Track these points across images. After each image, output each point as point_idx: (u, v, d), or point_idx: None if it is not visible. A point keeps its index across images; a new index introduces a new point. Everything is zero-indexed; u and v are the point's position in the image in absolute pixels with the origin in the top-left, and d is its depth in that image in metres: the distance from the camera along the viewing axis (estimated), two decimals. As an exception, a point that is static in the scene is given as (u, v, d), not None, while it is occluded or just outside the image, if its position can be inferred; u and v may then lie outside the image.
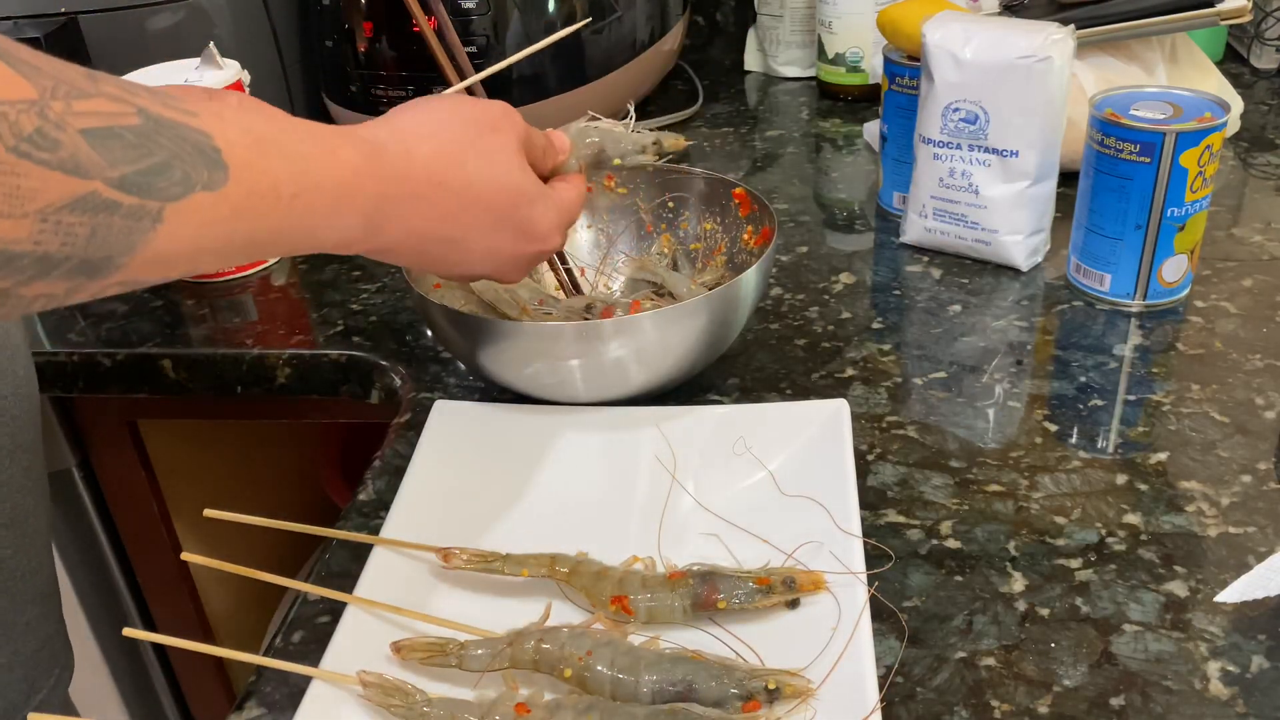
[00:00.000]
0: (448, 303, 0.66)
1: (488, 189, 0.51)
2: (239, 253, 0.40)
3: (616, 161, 0.61)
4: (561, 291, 0.72)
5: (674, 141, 0.63)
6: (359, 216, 0.45)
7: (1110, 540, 0.54)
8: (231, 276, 0.85)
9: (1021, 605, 0.51)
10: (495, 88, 0.68)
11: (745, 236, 0.69)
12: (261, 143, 0.39)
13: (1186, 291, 0.74)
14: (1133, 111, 0.70)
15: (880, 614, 0.50)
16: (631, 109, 0.66)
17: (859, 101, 1.13)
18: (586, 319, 0.66)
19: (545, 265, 0.73)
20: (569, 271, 0.71)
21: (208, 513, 0.55)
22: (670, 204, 0.74)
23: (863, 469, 0.60)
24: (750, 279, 0.62)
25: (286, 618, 0.54)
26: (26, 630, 0.61)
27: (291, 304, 0.82)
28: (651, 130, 0.63)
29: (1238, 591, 0.49)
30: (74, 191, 0.32)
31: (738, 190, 0.69)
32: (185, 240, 0.36)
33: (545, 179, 0.55)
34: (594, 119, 0.61)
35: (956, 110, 0.75)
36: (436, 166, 0.49)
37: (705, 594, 0.50)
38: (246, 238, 0.39)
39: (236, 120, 0.39)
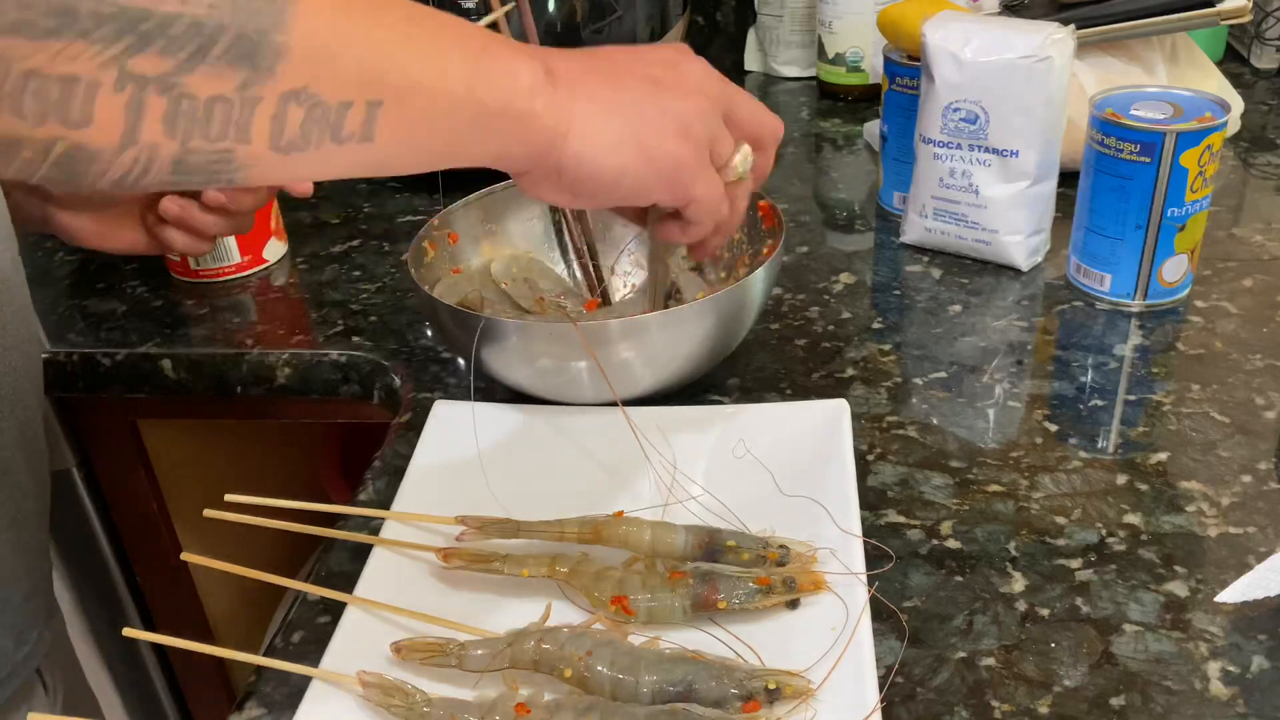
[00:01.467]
0: (452, 300, 0.66)
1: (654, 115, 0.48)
2: (402, 49, 0.38)
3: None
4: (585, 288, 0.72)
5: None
6: (515, 48, 0.43)
7: (1110, 540, 0.54)
8: (232, 276, 0.85)
9: (1022, 605, 0.51)
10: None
11: (765, 250, 0.69)
12: None
13: (1187, 291, 0.74)
14: (1133, 111, 0.70)
15: (880, 614, 0.50)
16: None
17: (859, 101, 1.13)
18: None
19: (574, 258, 0.73)
20: (596, 267, 0.71)
21: (208, 513, 0.55)
22: None
23: (863, 469, 0.60)
24: (755, 283, 0.62)
25: (286, 618, 0.54)
26: (12, 578, 0.60)
27: (291, 304, 0.82)
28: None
29: (1238, 592, 0.49)
30: None
31: (763, 202, 0.69)
32: (330, 20, 0.35)
33: None
34: None
35: (956, 110, 0.75)
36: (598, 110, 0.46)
37: (705, 594, 0.50)
38: (394, 25, 0.38)
39: None
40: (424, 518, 0.56)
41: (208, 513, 0.55)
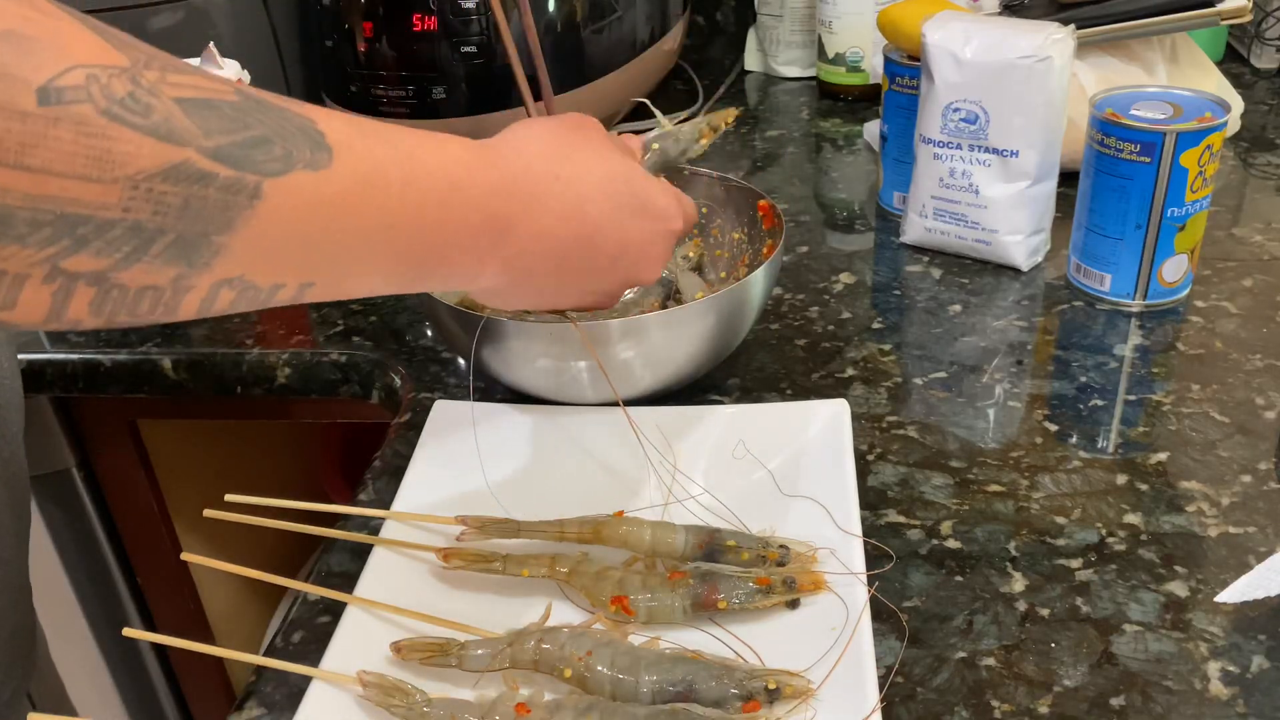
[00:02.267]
0: (454, 298, 0.66)
1: (600, 175, 0.49)
2: (352, 253, 0.38)
3: (684, 165, 0.62)
4: None
5: (722, 115, 0.63)
6: (480, 214, 0.43)
7: (1110, 540, 0.54)
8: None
9: (1022, 605, 0.51)
10: (496, 87, 0.68)
11: (765, 250, 0.69)
12: (364, 129, 0.38)
13: (1186, 291, 0.74)
14: (1133, 111, 0.70)
15: (880, 614, 0.50)
16: (658, 114, 0.66)
17: (859, 101, 1.13)
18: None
19: None
20: None
21: (207, 513, 0.55)
22: (704, 209, 0.74)
23: (863, 469, 0.60)
24: (755, 283, 0.62)
25: (286, 618, 0.54)
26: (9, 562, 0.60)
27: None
28: (700, 117, 0.64)
29: (1238, 592, 0.49)
30: (167, 159, 0.31)
31: (763, 202, 0.70)
32: (288, 223, 0.35)
33: None
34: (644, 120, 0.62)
35: (956, 110, 0.75)
36: (545, 163, 0.47)
37: (705, 594, 0.50)
38: (358, 231, 0.37)
39: (338, 115, 0.37)
40: (424, 518, 0.56)
41: (208, 513, 0.55)
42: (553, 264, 0.48)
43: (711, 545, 0.52)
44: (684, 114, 0.63)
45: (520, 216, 0.45)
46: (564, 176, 0.48)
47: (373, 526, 0.57)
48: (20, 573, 0.64)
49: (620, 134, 0.60)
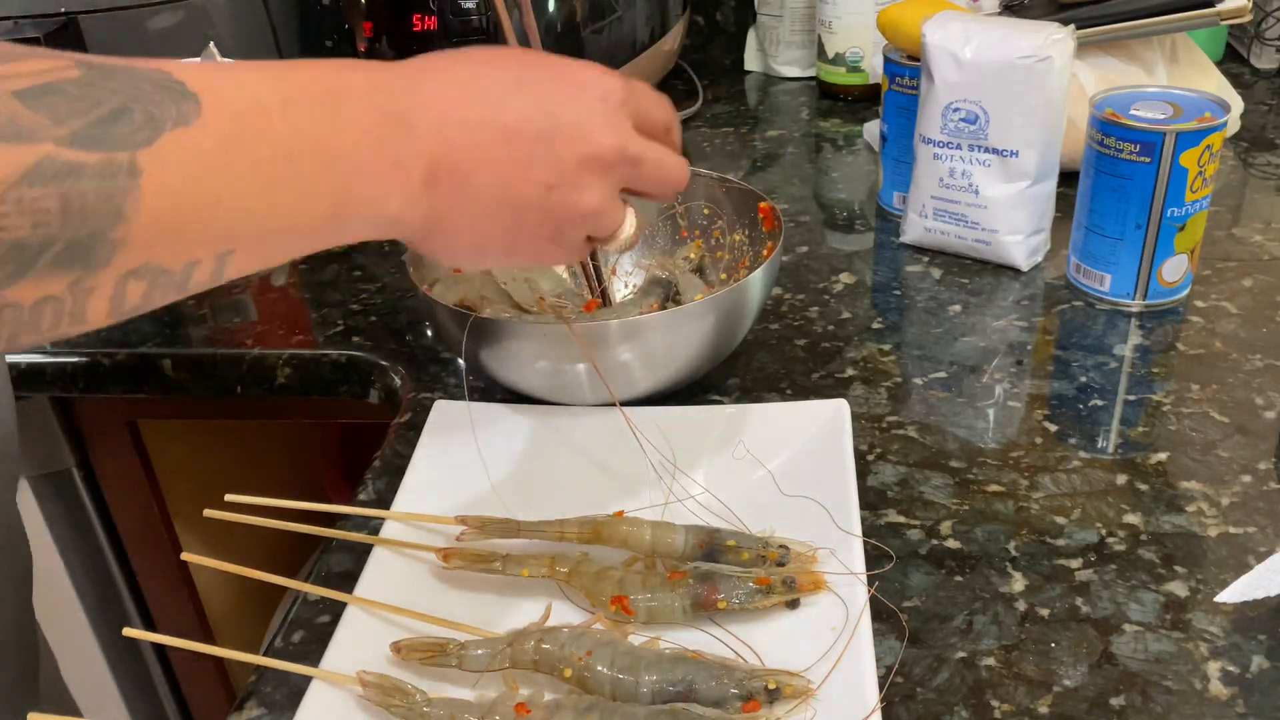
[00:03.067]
0: (452, 299, 0.66)
1: (500, 57, 0.43)
2: (256, 200, 0.34)
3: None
4: (586, 289, 0.72)
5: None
6: (374, 114, 0.38)
7: (1110, 540, 0.54)
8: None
9: (1021, 605, 0.51)
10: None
11: (766, 251, 0.69)
12: (230, 68, 0.34)
13: (1186, 291, 0.74)
14: (1133, 111, 0.70)
15: (880, 614, 0.50)
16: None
17: (859, 101, 1.13)
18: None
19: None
20: (597, 266, 0.71)
21: (208, 513, 0.55)
22: (706, 211, 0.74)
23: (863, 469, 0.60)
24: (755, 283, 0.62)
25: (286, 618, 0.54)
26: (14, 591, 0.60)
27: (291, 304, 0.82)
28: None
29: (1238, 592, 0.49)
30: (23, 161, 0.28)
31: (763, 204, 0.70)
32: (179, 191, 0.31)
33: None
34: None
35: (956, 110, 0.75)
36: (427, 57, 0.41)
37: (705, 594, 0.50)
38: (252, 172, 0.34)
39: (189, 62, 0.34)
40: (424, 517, 0.56)
41: (208, 513, 0.55)
42: (475, 154, 0.41)
43: (711, 545, 0.52)
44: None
45: (414, 107, 0.40)
46: (443, 64, 0.42)
47: (372, 527, 0.57)
48: (26, 615, 0.63)
49: None
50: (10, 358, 0.78)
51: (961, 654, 0.49)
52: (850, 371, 0.69)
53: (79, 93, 0.30)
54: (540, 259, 0.46)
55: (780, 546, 0.52)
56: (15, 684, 0.61)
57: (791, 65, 1.21)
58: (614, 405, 0.62)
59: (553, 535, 0.54)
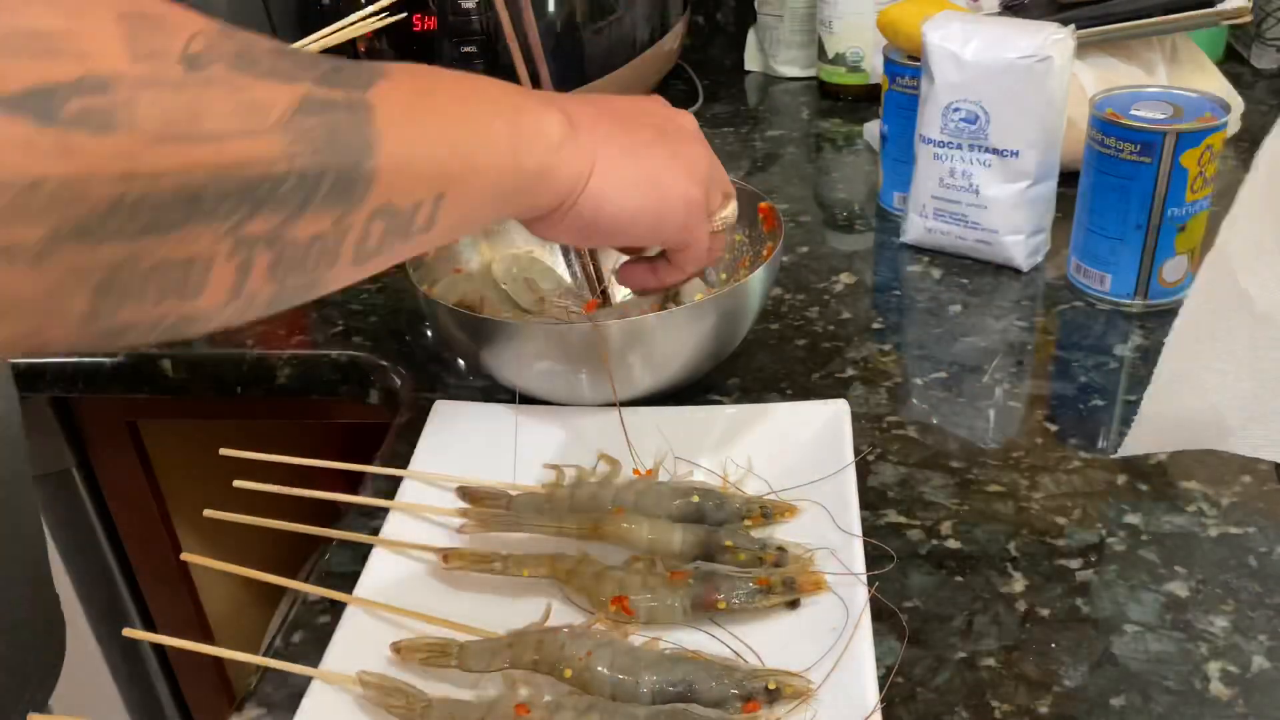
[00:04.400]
0: (452, 299, 0.66)
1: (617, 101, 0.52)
2: (455, 130, 0.39)
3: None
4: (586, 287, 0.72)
5: None
6: (539, 99, 0.45)
7: (1110, 540, 0.54)
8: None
9: (1022, 605, 0.51)
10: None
11: (766, 251, 0.69)
12: (398, 69, 0.39)
13: (1186, 291, 0.74)
14: (1133, 111, 0.70)
15: (880, 614, 0.50)
16: None
17: (859, 101, 1.13)
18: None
19: (575, 258, 0.73)
20: (597, 266, 0.71)
21: (208, 513, 0.55)
22: None
23: (863, 469, 0.60)
24: (755, 284, 0.62)
25: (286, 618, 0.54)
26: (23, 604, 0.60)
27: (291, 304, 0.82)
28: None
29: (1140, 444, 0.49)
30: (295, 94, 0.32)
31: (763, 204, 0.70)
32: (401, 128, 0.36)
33: None
34: None
35: (957, 110, 0.75)
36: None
37: (705, 594, 0.50)
38: (444, 117, 0.39)
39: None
40: (427, 508, 0.56)
41: (208, 513, 0.55)
42: (594, 109, 0.49)
43: (709, 545, 0.52)
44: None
45: (574, 103, 0.48)
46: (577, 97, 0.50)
47: (372, 527, 0.57)
48: (43, 563, 0.64)
49: None
50: (10, 358, 0.78)
51: (962, 654, 0.49)
52: (850, 371, 0.69)
53: (299, 55, 0.34)
54: (691, 207, 0.52)
55: (777, 548, 0.52)
56: (38, 667, 0.61)
57: (791, 65, 1.20)
58: (615, 405, 0.62)
59: (551, 530, 0.54)
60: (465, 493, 0.57)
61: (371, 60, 0.39)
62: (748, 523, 0.55)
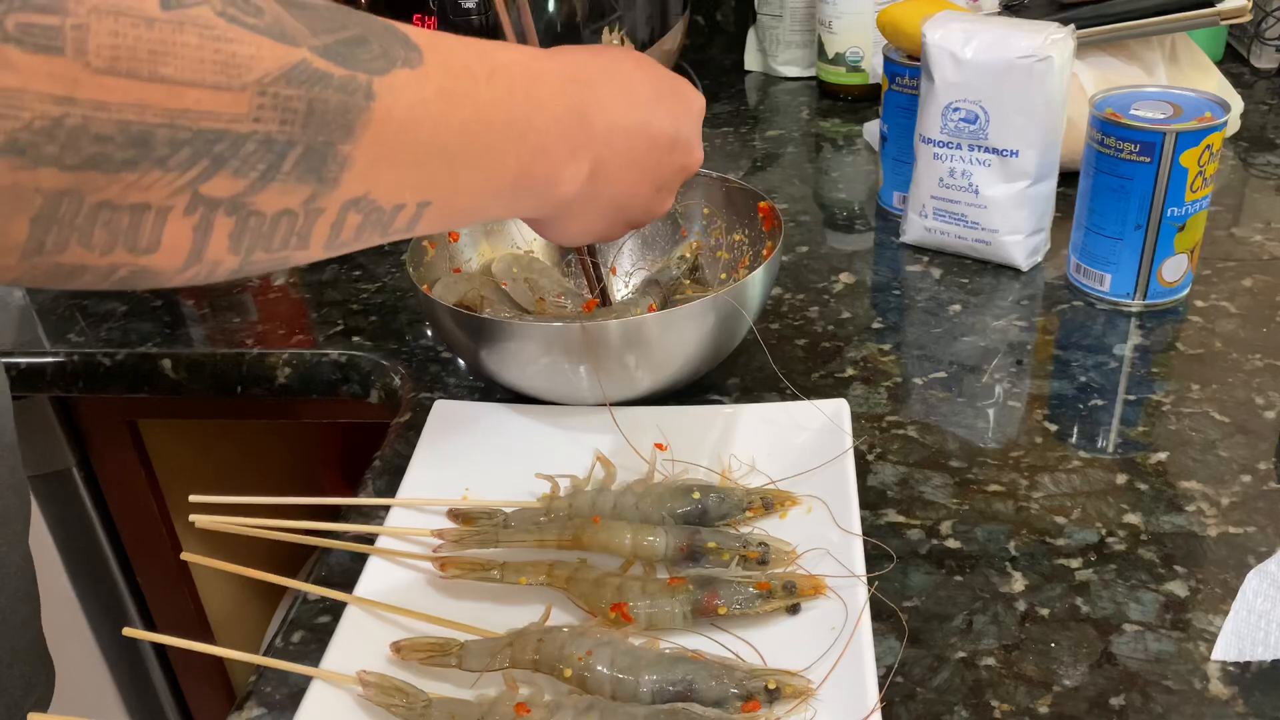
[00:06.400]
0: (452, 299, 0.66)
1: (631, 64, 0.51)
2: (461, 152, 0.38)
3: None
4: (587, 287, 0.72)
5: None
6: (562, 102, 0.44)
7: (1110, 540, 0.54)
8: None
9: (1021, 605, 0.51)
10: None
11: (766, 251, 0.69)
12: (436, 35, 0.38)
13: (1186, 291, 0.74)
14: (1133, 111, 0.70)
15: (880, 614, 0.50)
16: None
17: (859, 101, 1.13)
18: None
19: (574, 258, 0.73)
20: (596, 266, 0.71)
21: (198, 522, 0.54)
22: (705, 211, 0.74)
23: (863, 469, 0.60)
24: (755, 283, 0.62)
25: (286, 618, 0.54)
26: (21, 628, 0.60)
27: (291, 304, 0.82)
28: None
29: (1234, 649, 0.48)
30: (287, 59, 0.31)
31: (763, 204, 0.70)
32: (401, 125, 0.35)
33: None
34: None
35: (956, 110, 0.75)
36: (590, 57, 0.48)
37: (705, 600, 0.50)
38: (462, 129, 0.38)
39: (406, 25, 0.38)
40: (424, 502, 0.56)
41: (198, 521, 0.54)
42: (625, 158, 0.49)
43: (692, 547, 0.52)
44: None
45: (593, 105, 0.46)
46: (608, 68, 0.48)
47: (373, 527, 0.57)
48: (32, 580, 0.64)
49: None
50: (10, 358, 0.78)
51: (961, 654, 0.49)
52: (850, 371, 0.69)
53: (328, 15, 0.33)
54: (614, 236, 0.55)
55: (760, 545, 0.52)
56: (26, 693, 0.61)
57: (791, 65, 1.21)
58: (616, 405, 0.62)
59: (532, 543, 0.54)
60: (455, 515, 0.56)
61: (433, 32, 0.38)
62: (749, 514, 0.55)
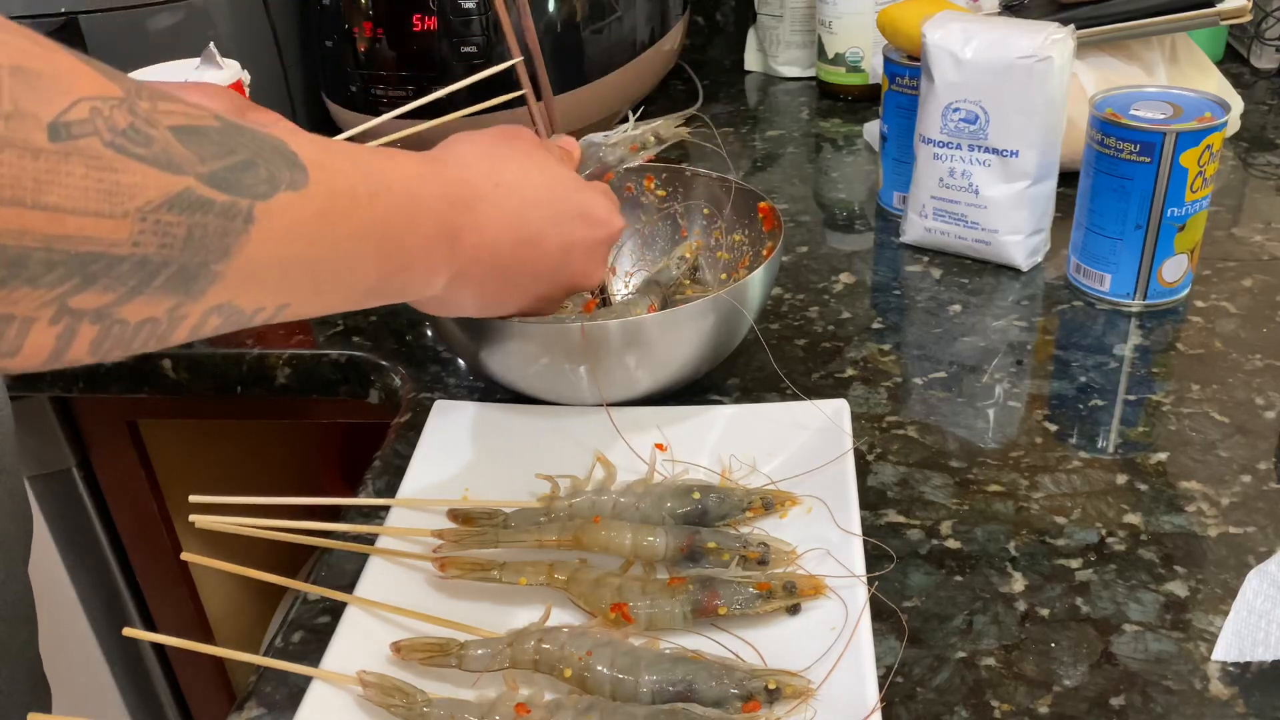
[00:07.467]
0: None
1: (540, 181, 0.52)
2: (326, 269, 0.39)
3: (624, 166, 0.63)
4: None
5: (672, 125, 0.64)
6: (435, 224, 0.45)
7: (1110, 540, 0.54)
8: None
9: (1021, 605, 0.51)
10: (495, 87, 0.68)
11: (766, 251, 0.69)
12: (329, 149, 0.39)
13: (1186, 291, 0.74)
14: (1133, 111, 0.70)
15: (880, 614, 0.50)
16: (630, 115, 0.66)
17: (859, 101, 1.13)
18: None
19: None
20: None
21: (197, 523, 0.54)
22: (705, 210, 0.74)
23: (863, 469, 0.60)
24: (755, 283, 0.62)
25: (286, 618, 0.54)
26: (19, 653, 0.60)
27: (291, 304, 0.82)
28: (650, 122, 0.64)
29: (1234, 650, 0.48)
30: (170, 188, 0.31)
31: (763, 204, 0.70)
32: (276, 245, 0.36)
33: None
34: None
35: (956, 110, 0.75)
36: (487, 167, 0.50)
37: (706, 600, 0.50)
38: (333, 246, 0.39)
39: (299, 132, 0.39)
40: (424, 502, 0.56)
41: (197, 522, 0.54)
42: (497, 271, 0.51)
43: (692, 547, 0.52)
44: (630, 122, 0.64)
45: (467, 226, 0.47)
46: (505, 184, 0.50)
47: (366, 538, 0.57)
48: (31, 604, 0.63)
49: (558, 135, 0.62)
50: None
51: (961, 654, 0.49)
52: (850, 371, 0.69)
53: (218, 139, 0.34)
54: (521, 313, 0.58)
55: (760, 545, 0.52)
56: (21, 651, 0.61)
57: (791, 65, 1.20)
58: (616, 405, 0.62)
59: (531, 544, 0.54)
60: (455, 515, 0.56)
61: (327, 145, 0.39)
62: (749, 514, 0.55)
